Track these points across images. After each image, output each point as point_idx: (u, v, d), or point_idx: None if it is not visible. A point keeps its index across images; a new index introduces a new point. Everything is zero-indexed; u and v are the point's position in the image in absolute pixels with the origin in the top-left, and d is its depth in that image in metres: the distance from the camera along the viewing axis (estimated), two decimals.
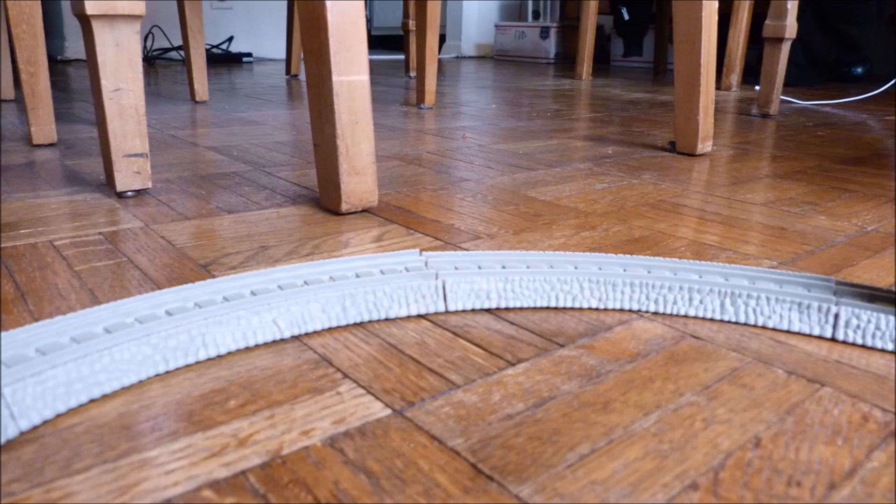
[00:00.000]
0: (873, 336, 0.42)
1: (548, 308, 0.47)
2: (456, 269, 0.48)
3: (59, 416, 0.33)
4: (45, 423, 0.32)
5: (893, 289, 0.45)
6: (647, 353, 0.41)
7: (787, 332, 0.44)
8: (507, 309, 0.46)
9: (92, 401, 0.34)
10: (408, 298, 0.45)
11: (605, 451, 0.31)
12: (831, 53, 2.29)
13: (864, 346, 0.42)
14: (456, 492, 0.28)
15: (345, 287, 0.45)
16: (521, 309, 0.47)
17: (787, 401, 0.36)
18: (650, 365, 0.39)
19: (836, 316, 0.43)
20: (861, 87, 2.14)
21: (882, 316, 0.42)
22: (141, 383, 0.36)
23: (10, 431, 0.31)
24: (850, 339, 0.43)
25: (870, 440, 0.32)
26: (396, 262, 0.50)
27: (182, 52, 2.54)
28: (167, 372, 0.37)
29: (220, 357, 0.39)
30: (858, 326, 0.43)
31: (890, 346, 0.42)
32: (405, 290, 0.45)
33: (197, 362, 0.38)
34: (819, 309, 0.44)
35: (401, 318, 0.45)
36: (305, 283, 0.46)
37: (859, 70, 2.33)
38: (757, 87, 1.59)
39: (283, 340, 0.41)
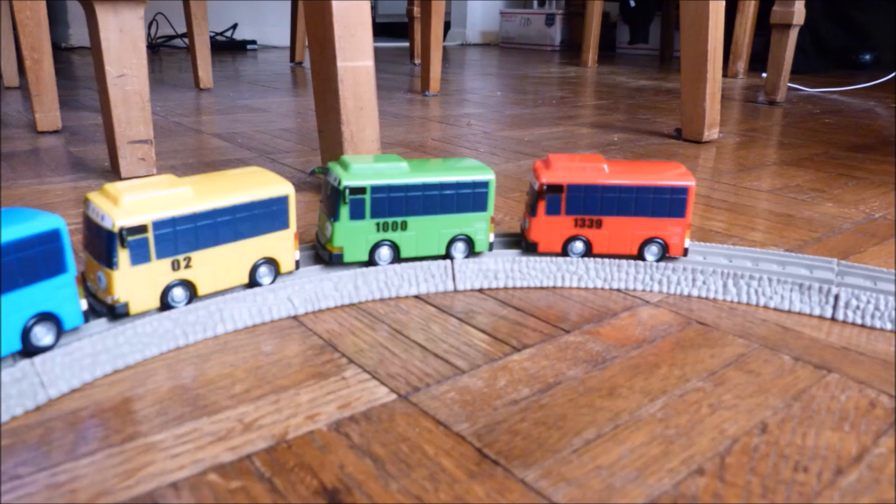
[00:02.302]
0: (872, 316, 0.43)
1: (554, 293, 0.47)
2: None
3: (74, 390, 0.33)
4: (73, 391, 0.32)
5: (894, 271, 0.45)
6: (653, 338, 0.41)
7: (794, 318, 0.44)
8: (513, 290, 0.46)
9: (105, 376, 0.34)
10: (417, 277, 0.46)
11: (610, 436, 0.31)
12: (839, 40, 2.27)
13: (863, 326, 0.43)
14: (462, 476, 0.28)
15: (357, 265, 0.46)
16: (527, 292, 0.46)
17: (794, 387, 0.36)
18: (656, 351, 0.39)
19: (837, 297, 0.44)
20: (869, 74, 2.12)
21: (881, 297, 0.43)
22: (146, 368, 0.36)
23: (41, 398, 0.32)
24: (850, 320, 0.43)
25: (877, 426, 0.32)
26: None
27: (186, 40, 2.53)
28: (178, 348, 0.37)
29: (225, 342, 0.39)
30: (858, 307, 0.43)
31: (889, 326, 0.42)
32: (415, 269, 0.46)
33: (216, 336, 0.38)
34: (820, 290, 0.44)
35: (406, 304, 0.44)
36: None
37: (867, 57, 2.31)
38: (764, 75, 1.58)
39: (289, 326, 0.41)
